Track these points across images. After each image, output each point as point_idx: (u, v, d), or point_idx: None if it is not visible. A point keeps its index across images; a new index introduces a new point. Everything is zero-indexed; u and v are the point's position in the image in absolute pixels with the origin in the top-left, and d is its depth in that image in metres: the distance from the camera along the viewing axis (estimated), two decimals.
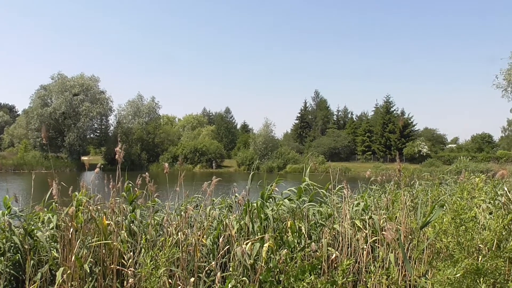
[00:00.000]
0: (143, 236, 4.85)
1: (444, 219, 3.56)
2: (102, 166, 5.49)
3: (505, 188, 4.81)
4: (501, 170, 4.68)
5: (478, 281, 3.04)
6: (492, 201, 5.25)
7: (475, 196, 4.81)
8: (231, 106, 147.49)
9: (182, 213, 4.99)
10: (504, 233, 3.66)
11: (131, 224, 5.43)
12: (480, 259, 3.30)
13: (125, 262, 4.64)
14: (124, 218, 5.33)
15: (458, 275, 2.88)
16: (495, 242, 3.48)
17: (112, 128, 74.89)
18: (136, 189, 5.87)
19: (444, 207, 4.58)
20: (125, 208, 5.64)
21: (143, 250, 4.66)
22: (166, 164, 5.04)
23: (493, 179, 5.31)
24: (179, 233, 4.65)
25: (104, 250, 4.65)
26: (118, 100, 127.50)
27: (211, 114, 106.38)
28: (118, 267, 4.56)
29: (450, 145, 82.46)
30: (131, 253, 4.77)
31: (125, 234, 5.05)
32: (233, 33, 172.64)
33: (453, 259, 3.30)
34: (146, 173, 5.51)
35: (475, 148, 71.58)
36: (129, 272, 4.41)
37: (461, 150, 71.22)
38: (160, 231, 5.54)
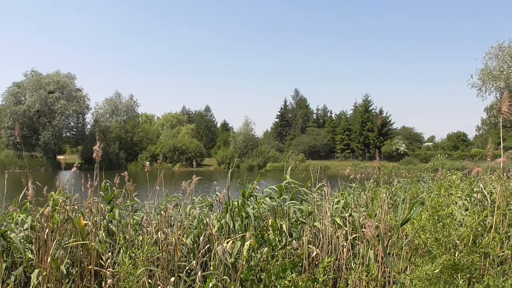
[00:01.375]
0: (120, 236, 4.76)
1: (423, 216, 3.63)
2: (79, 165, 5.37)
3: (481, 185, 4.93)
4: (476, 168, 4.78)
5: (455, 276, 3.10)
6: (468, 198, 5.38)
7: (452, 193, 4.92)
8: (211, 104, 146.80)
9: (162, 212, 4.93)
10: (479, 229, 3.75)
11: (110, 224, 5.33)
12: (457, 254, 3.37)
13: (103, 263, 4.56)
14: (102, 218, 5.22)
15: (436, 271, 2.93)
16: (471, 238, 3.56)
17: (89, 126, 73.46)
18: (114, 188, 5.77)
19: (424, 203, 4.66)
20: (103, 207, 5.53)
21: (122, 250, 4.58)
22: (147, 163, 4.97)
23: (469, 176, 5.43)
24: (158, 233, 4.59)
25: (81, 251, 4.55)
26: (95, 98, 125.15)
27: (190, 113, 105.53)
28: (96, 268, 4.47)
29: (426, 143, 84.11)
30: (110, 254, 4.69)
31: (103, 234, 4.96)
32: (212, 31, 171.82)
33: (431, 255, 3.35)
34: (125, 172, 5.42)
35: (451, 146, 73.24)
36: (108, 272, 4.33)
37: (437, 148, 72.72)
38: (140, 230, 5.46)
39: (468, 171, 5.68)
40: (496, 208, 3.93)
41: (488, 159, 4.47)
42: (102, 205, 5.50)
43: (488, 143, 4.47)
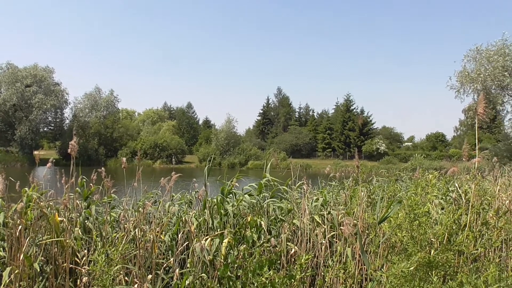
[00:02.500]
0: (94, 233, 4.68)
1: (399, 215, 3.68)
2: (54, 160, 5.24)
3: (456, 185, 5.03)
4: (452, 168, 4.88)
5: (430, 273, 3.16)
6: (444, 197, 5.50)
7: (428, 192, 5.01)
8: (193, 101, 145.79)
9: (140, 209, 4.86)
10: (454, 227, 3.83)
11: (86, 221, 5.23)
12: (432, 252, 3.43)
13: (79, 260, 4.47)
14: (78, 214, 5.13)
15: (411, 268, 2.97)
16: (445, 236, 3.63)
17: (67, 121, 72.11)
18: (91, 184, 5.67)
19: (402, 202, 4.73)
20: (79, 204, 5.43)
21: (97, 247, 4.51)
22: (124, 159, 4.87)
23: (445, 176, 5.55)
24: (136, 230, 4.53)
25: (56, 248, 4.45)
26: (75, 93, 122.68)
27: (172, 109, 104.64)
28: (71, 266, 4.38)
29: (406, 143, 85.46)
30: (86, 251, 4.61)
31: (79, 231, 4.86)
32: (196, 28, 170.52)
33: (407, 253, 3.41)
34: (102, 168, 5.33)
35: (430, 146, 74.63)
36: (83, 270, 4.25)
37: (417, 148, 74.04)
38: (117, 227, 5.38)
39: (446, 171, 5.80)
40: (470, 207, 4.01)
41: (464, 159, 4.56)
42: (78, 202, 5.40)
43: (464, 144, 4.56)
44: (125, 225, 4.84)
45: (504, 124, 29.74)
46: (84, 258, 4.45)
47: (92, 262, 4.24)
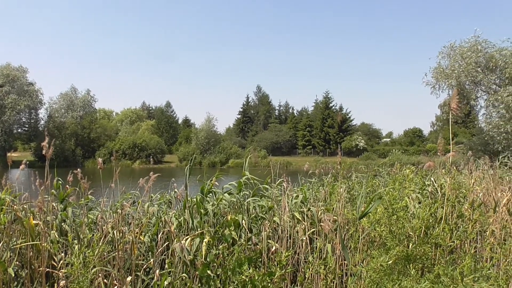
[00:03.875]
0: (70, 235, 4.59)
1: (378, 210, 3.73)
2: (28, 162, 5.11)
3: (432, 179, 5.13)
4: (428, 162, 4.99)
5: (408, 266, 3.21)
6: (421, 191, 5.61)
7: (406, 187, 5.10)
8: (172, 100, 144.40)
9: (118, 210, 4.79)
10: (431, 221, 3.91)
11: (63, 223, 5.12)
12: (410, 246, 3.50)
13: (55, 264, 4.37)
14: (54, 217, 5.01)
15: (390, 262, 3.01)
16: (423, 230, 3.70)
17: (42, 122, 70.38)
18: (67, 186, 5.54)
19: (382, 198, 4.80)
20: (55, 206, 5.31)
21: (75, 249, 4.41)
22: (100, 160, 4.79)
23: (421, 170, 5.65)
24: (114, 231, 4.46)
25: (31, 252, 4.34)
26: (50, 93, 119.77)
27: (151, 108, 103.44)
28: (47, 269, 4.28)
29: (385, 139, 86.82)
30: (63, 254, 4.51)
31: (55, 234, 4.75)
32: (174, 26, 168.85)
33: (386, 247, 3.46)
34: (78, 170, 5.22)
35: (407, 142, 76.06)
36: (60, 273, 4.15)
37: (395, 144, 75.37)
38: (95, 229, 5.28)
39: (423, 166, 5.92)
40: (446, 200, 4.10)
41: (439, 153, 4.66)
42: (54, 204, 5.28)
43: (439, 139, 4.66)
44: (103, 227, 4.75)
45: (478, 118, 30.52)
46: (61, 262, 4.35)
47: (71, 265, 4.15)
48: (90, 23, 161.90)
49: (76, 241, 4.59)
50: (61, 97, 70.61)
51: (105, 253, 4.13)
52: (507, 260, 3.74)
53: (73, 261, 3.33)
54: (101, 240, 4.27)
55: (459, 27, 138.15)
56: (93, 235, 4.49)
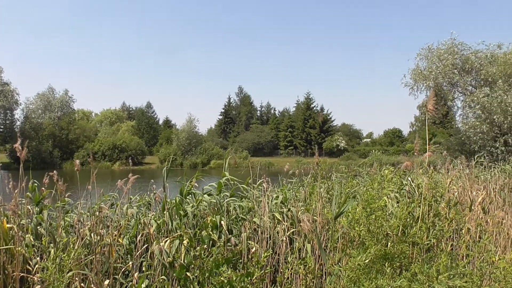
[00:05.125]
0: (44, 239, 4.48)
1: (357, 209, 3.77)
2: (1, 164, 4.97)
3: (409, 179, 5.22)
4: (406, 162, 5.06)
5: (386, 265, 3.25)
6: (399, 191, 5.69)
7: (384, 186, 5.17)
8: (152, 101, 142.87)
9: (96, 212, 4.70)
10: (408, 220, 3.97)
11: (39, 227, 5.00)
12: (388, 245, 3.54)
13: (30, 268, 4.26)
14: (29, 220, 4.89)
15: (367, 261, 3.04)
16: (400, 229, 3.75)
17: (18, 123, 68.60)
18: (43, 188, 5.42)
19: (357, 197, 4.86)
20: (30, 209, 5.18)
21: (51, 253, 4.31)
22: (77, 161, 4.70)
23: (399, 170, 5.74)
24: (92, 234, 4.38)
25: (5, 257, 4.22)
26: (26, 93, 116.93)
27: (131, 109, 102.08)
28: (22, 274, 4.17)
29: (365, 140, 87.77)
30: (38, 258, 4.40)
31: (30, 238, 4.63)
32: (154, 26, 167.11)
33: (365, 246, 3.49)
34: (54, 171, 5.11)
35: (387, 142, 77.15)
36: (35, 278, 4.05)
37: (375, 144, 76.38)
38: (72, 232, 5.18)
39: (401, 166, 6.01)
40: (423, 200, 4.17)
41: (416, 153, 4.74)
42: (29, 207, 5.15)
43: (416, 139, 4.75)
44: (80, 230, 4.66)
45: (455, 119, 31.20)
46: (37, 266, 4.24)
47: (44, 269, 4.06)
48: (68, 23, 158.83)
49: (52, 245, 4.49)
50: (38, 98, 69.02)
51: (82, 257, 4.06)
52: (482, 258, 3.83)
53: (48, 265, 3.25)
54: (78, 243, 4.19)
55: (438, 29, 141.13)
56: (69, 238, 4.39)
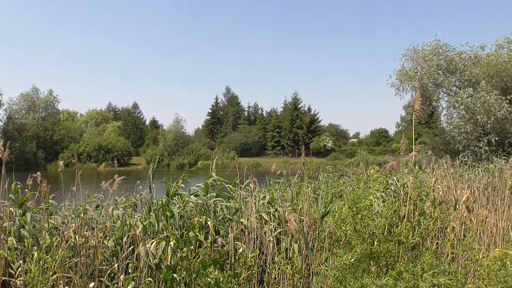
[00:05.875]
0: (27, 241, 4.42)
1: (343, 209, 3.79)
2: None
3: (395, 178, 5.26)
4: (391, 162, 5.11)
5: (372, 264, 3.28)
6: (384, 190, 5.74)
7: (370, 186, 5.21)
8: (139, 101, 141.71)
9: (82, 214, 4.64)
10: (394, 219, 4.00)
11: (22, 229, 4.91)
12: (374, 244, 3.57)
13: (13, 272, 4.18)
14: (12, 223, 4.80)
15: (352, 260, 3.06)
16: (386, 228, 3.78)
17: (1, 124, 67.44)
18: (26, 190, 5.33)
19: (343, 197, 4.88)
20: (13, 211, 5.09)
21: (35, 256, 4.24)
22: (61, 162, 4.63)
23: (385, 170, 5.79)
24: (76, 236, 4.32)
25: None
26: (10, 93, 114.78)
27: (117, 110, 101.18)
28: (4, 278, 4.08)
29: (352, 140, 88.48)
30: (21, 261, 4.32)
31: (13, 241, 4.55)
32: (140, 26, 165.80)
33: (351, 246, 3.51)
34: (38, 173, 5.02)
35: (374, 142, 77.91)
36: (18, 282, 3.97)
37: (362, 144, 77.10)
38: (56, 235, 5.10)
39: (388, 165, 6.06)
40: (408, 199, 4.21)
41: (402, 153, 4.78)
42: (12, 209, 5.06)
43: (402, 139, 4.79)
44: (65, 232, 4.59)
45: (440, 119, 31.61)
46: (20, 269, 4.17)
47: (27, 272, 3.99)
48: (52, 21, 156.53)
49: (35, 247, 4.42)
50: (22, 98, 67.99)
51: (66, 259, 4.00)
52: (466, 256, 3.88)
53: (31, 268, 3.20)
54: (62, 246, 4.13)
55: (423, 30, 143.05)
56: (53, 240, 4.32)
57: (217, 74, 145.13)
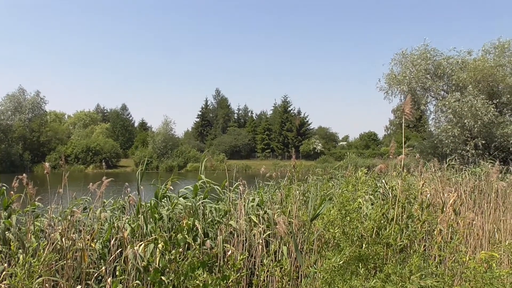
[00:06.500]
0: (13, 244, 4.34)
1: (332, 211, 3.80)
2: None
3: (383, 181, 5.30)
4: (380, 165, 5.14)
5: (360, 266, 3.29)
6: (373, 193, 5.78)
7: (359, 189, 5.24)
8: (128, 103, 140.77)
9: (69, 216, 4.58)
10: (383, 221, 4.03)
11: (6, 232, 4.83)
12: (363, 246, 3.58)
13: None
14: None
15: (341, 262, 3.07)
16: (375, 230, 3.80)
17: None
18: (12, 192, 5.25)
19: (333, 199, 4.90)
20: None
21: (20, 259, 4.17)
22: (47, 164, 4.56)
23: (373, 172, 5.83)
24: (63, 239, 4.26)
25: None
26: None
27: (105, 111, 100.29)
28: None
29: (341, 143, 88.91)
30: (6, 265, 4.25)
31: None
32: (130, 28, 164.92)
33: (340, 248, 3.53)
34: (24, 175, 4.95)
35: (363, 145, 78.38)
36: (2, 285, 3.91)
37: (351, 147, 77.47)
38: (43, 237, 5.03)
39: (376, 168, 6.10)
40: (397, 202, 4.25)
41: (391, 156, 4.82)
42: None
43: (391, 142, 4.82)
44: (51, 234, 4.53)
45: (428, 123, 31.98)
46: (4, 273, 4.09)
47: (13, 275, 3.92)
48: (39, 20, 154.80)
49: (20, 250, 4.35)
50: (8, 99, 66.98)
51: (52, 262, 3.94)
52: (453, 258, 3.92)
53: (16, 271, 3.14)
54: (48, 248, 4.07)
55: (413, 34, 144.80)
56: (39, 243, 4.26)
57: (207, 76, 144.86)
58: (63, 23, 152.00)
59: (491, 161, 11.99)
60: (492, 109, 21.31)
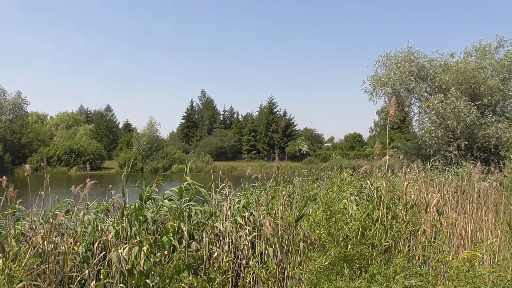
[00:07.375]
0: None
1: (317, 212, 3.81)
2: None
3: (368, 182, 5.34)
4: (364, 166, 5.18)
5: (345, 266, 3.30)
6: (358, 194, 5.82)
7: (344, 189, 5.26)
8: (112, 104, 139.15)
9: (51, 219, 4.49)
10: (368, 222, 4.05)
11: None
12: (348, 247, 3.60)
13: None
14: None
15: (326, 263, 3.08)
16: (360, 231, 3.82)
17: None
18: None
19: (318, 200, 4.91)
20: None
21: (0, 263, 4.07)
22: (27, 166, 4.47)
23: (358, 173, 5.87)
24: (45, 242, 4.18)
25: None
26: None
27: (89, 112, 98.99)
28: None
29: (326, 144, 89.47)
30: None
31: None
32: (115, 30, 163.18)
33: (325, 249, 3.53)
34: (4, 177, 4.84)
35: (348, 146, 79.06)
36: None
37: (336, 149, 78.00)
38: (24, 241, 4.92)
39: (361, 169, 6.14)
40: (381, 202, 4.28)
41: (376, 157, 4.86)
42: None
43: (376, 143, 4.87)
44: (33, 238, 4.44)
45: (412, 124, 32.39)
46: None
47: None
48: (15, 22, 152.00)
49: (0, 255, 4.25)
50: None
51: (34, 266, 3.86)
52: (437, 257, 3.96)
53: None
54: (30, 252, 3.98)
55: (397, 35, 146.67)
56: (20, 247, 4.17)
57: (192, 77, 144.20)
58: (44, 22, 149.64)
59: (473, 162, 12.21)
60: (475, 110, 21.69)
